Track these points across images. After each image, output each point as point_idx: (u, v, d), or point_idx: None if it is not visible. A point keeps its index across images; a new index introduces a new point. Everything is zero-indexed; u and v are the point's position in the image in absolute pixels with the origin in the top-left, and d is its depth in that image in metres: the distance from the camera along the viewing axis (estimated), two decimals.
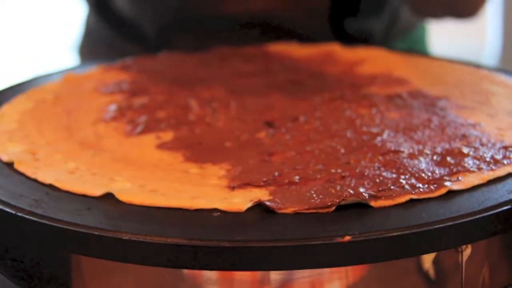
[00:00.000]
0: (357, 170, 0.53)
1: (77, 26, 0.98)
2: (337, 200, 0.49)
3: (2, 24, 2.66)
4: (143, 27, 0.90)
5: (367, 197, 0.49)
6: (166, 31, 0.88)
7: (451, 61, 0.78)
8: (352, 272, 0.47)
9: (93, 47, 0.96)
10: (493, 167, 0.53)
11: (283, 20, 0.86)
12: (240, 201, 0.50)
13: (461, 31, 2.64)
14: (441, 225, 0.47)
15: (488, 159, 0.54)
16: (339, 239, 0.45)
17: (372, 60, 0.78)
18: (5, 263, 0.51)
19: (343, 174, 0.53)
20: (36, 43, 2.63)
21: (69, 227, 0.47)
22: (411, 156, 0.55)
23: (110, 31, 0.93)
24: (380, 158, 0.55)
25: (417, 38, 0.98)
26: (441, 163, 0.54)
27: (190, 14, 0.87)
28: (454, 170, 0.53)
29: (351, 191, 0.50)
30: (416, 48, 0.96)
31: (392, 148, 0.56)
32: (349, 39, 0.86)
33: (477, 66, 0.75)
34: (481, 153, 0.55)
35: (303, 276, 0.47)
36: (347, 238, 0.45)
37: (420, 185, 0.51)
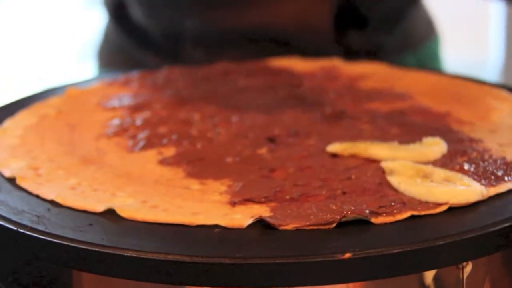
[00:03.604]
0: (358, 186, 0.53)
1: (96, 34, 0.99)
2: (338, 217, 0.49)
3: (9, 37, 2.67)
4: (155, 37, 0.90)
5: (368, 213, 0.49)
6: (175, 41, 0.89)
7: (453, 76, 0.78)
8: None
9: (111, 54, 0.97)
10: (494, 184, 0.53)
11: (289, 35, 0.86)
12: (241, 217, 0.50)
13: (464, 43, 2.64)
14: (442, 242, 0.47)
15: (489, 176, 0.54)
16: (340, 256, 0.45)
17: (374, 75, 0.78)
18: (7, 279, 0.52)
19: (344, 190, 0.53)
20: (46, 54, 2.64)
21: (71, 244, 0.47)
22: None
23: (127, 40, 0.94)
24: (381, 174, 0.55)
25: (430, 53, 0.98)
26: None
27: (199, 26, 0.87)
28: None
29: (352, 208, 0.50)
30: (428, 63, 0.96)
31: None
32: (356, 54, 0.86)
33: (479, 81, 0.76)
34: (482, 169, 0.55)
35: None
36: (348, 255, 0.45)
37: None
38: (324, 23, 0.86)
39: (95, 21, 1.00)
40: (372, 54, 0.89)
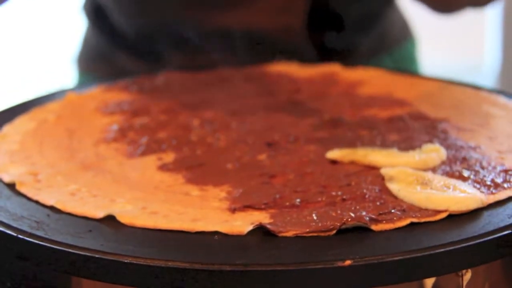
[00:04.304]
0: (358, 193, 0.53)
1: (76, 40, 1.00)
2: (338, 224, 0.49)
3: (2, 43, 2.67)
4: (134, 39, 0.91)
5: (367, 220, 0.49)
6: (154, 43, 0.89)
7: (452, 83, 0.78)
8: None
9: (90, 59, 0.97)
10: (494, 191, 0.53)
11: (264, 35, 0.86)
12: (241, 224, 0.50)
13: (459, 48, 2.65)
14: (442, 250, 0.47)
15: (488, 183, 0.54)
16: (340, 263, 0.45)
17: (372, 81, 0.78)
18: (6, 284, 0.51)
19: (344, 197, 0.53)
20: (37, 61, 2.63)
21: (70, 250, 0.47)
22: None
23: (107, 44, 0.94)
24: (381, 181, 0.55)
25: (406, 55, 0.98)
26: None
27: (177, 28, 0.87)
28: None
29: (352, 215, 0.50)
30: (404, 65, 0.97)
31: None
32: (331, 54, 0.87)
33: (477, 88, 0.76)
34: (481, 177, 0.55)
35: None
36: (348, 262, 0.45)
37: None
38: (299, 23, 0.86)
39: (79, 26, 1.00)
40: (348, 55, 0.89)
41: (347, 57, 0.89)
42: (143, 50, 0.90)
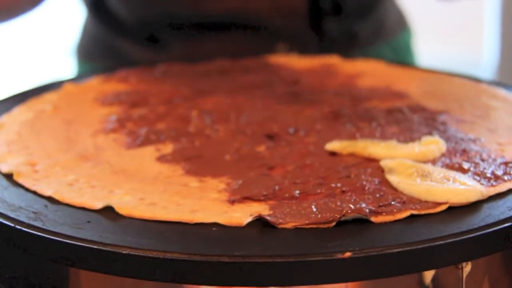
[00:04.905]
0: (358, 185, 0.53)
1: (75, 29, 0.99)
2: (338, 216, 0.49)
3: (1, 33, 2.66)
4: (132, 25, 0.90)
5: (367, 212, 0.49)
6: (152, 29, 0.89)
7: (451, 75, 0.78)
8: None
9: (90, 48, 0.96)
10: (494, 183, 0.53)
11: (264, 20, 0.86)
12: (240, 215, 0.50)
13: (458, 42, 2.65)
14: (442, 242, 0.46)
15: (488, 175, 0.54)
16: (340, 255, 0.45)
17: (371, 73, 0.78)
18: (3, 276, 0.51)
19: (344, 189, 0.53)
20: (36, 50, 2.63)
21: (68, 241, 0.47)
22: None
23: (106, 31, 0.94)
24: (380, 173, 0.55)
25: (403, 44, 0.98)
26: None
27: (174, 13, 0.87)
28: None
29: (352, 207, 0.50)
30: (400, 54, 0.97)
31: None
32: (330, 40, 0.86)
33: (477, 80, 0.75)
34: (481, 169, 0.55)
35: None
36: (348, 254, 0.45)
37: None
38: (299, 8, 0.85)
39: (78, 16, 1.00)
40: (346, 42, 0.89)
41: (345, 45, 0.89)
42: (142, 39, 0.90)
